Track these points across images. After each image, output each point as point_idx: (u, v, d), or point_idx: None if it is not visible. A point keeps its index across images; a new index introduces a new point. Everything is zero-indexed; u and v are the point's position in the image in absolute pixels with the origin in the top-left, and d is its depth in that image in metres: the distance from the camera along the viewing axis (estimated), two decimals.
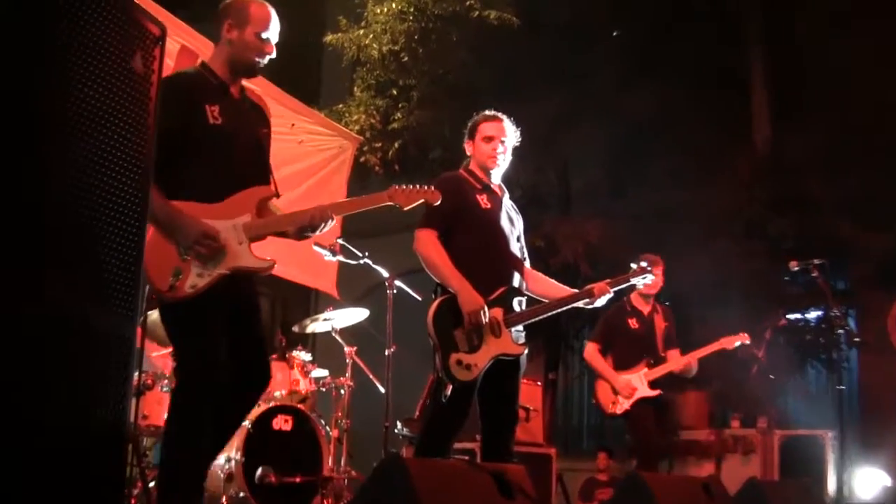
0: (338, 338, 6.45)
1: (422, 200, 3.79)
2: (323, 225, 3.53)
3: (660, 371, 6.46)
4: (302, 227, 3.52)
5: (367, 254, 5.86)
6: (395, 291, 5.68)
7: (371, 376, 6.34)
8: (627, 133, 9.53)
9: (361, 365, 6.39)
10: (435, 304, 4.15)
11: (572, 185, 10.72)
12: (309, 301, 11.61)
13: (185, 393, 3.28)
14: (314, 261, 6.46)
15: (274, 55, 3.60)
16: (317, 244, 5.68)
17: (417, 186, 3.80)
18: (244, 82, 3.65)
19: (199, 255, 3.30)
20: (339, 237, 6.07)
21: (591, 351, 6.72)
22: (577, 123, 9.63)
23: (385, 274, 5.72)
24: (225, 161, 3.43)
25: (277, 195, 3.63)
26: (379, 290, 5.99)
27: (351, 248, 5.91)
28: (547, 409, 9.14)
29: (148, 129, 2.03)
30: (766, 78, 9.60)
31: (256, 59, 3.55)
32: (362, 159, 9.49)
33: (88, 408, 1.81)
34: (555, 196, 10.66)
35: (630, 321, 6.64)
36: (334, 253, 5.80)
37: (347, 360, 6.32)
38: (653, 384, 6.46)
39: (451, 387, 4.03)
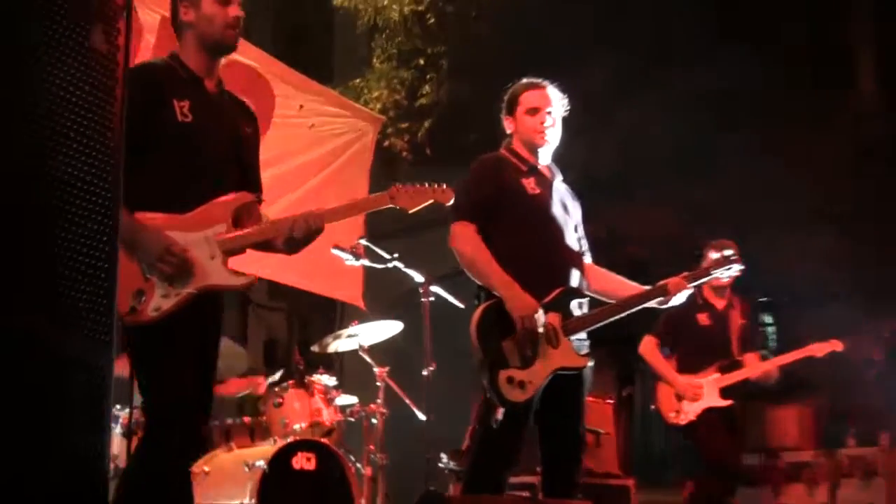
0: (366, 357, 6.48)
1: (430, 202, 3.85)
2: (309, 235, 3.59)
3: (733, 377, 6.40)
4: (288, 239, 3.59)
5: (396, 255, 5.88)
6: (432, 299, 5.70)
7: (408, 401, 6.38)
8: (704, 104, 9.46)
9: (395, 388, 6.42)
10: (478, 311, 4.18)
11: (638, 166, 10.65)
12: (333, 315, 11.65)
13: (154, 443, 3.37)
14: (336, 268, 6.47)
15: (241, 16, 3.68)
16: (336, 247, 5.74)
17: (426, 185, 3.87)
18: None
19: (164, 273, 3.39)
20: (363, 237, 6.11)
21: (647, 345, 6.68)
22: (642, 93, 9.58)
23: (419, 278, 5.73)
24: (195, 164, 3.54)
25: (260, 200, 3.71)
26: (413, 298, 6.01)
27: (377, 249, 5.94)
28: (621, 431, 9.07)
29: (114, 119, 2.04)
30: (872, 45, 9.51)
31: (226, 31, 3.64)
32: (387, 143, 9.55)
33: (51, 443, 1.84)
34: (619, 178, 10.59)
35: (700, 317, 6.58)
36: (357, 256, 5.83)
37: (379, 383, 6.34)
38: (724, 392, 6.40)
39: (501, 410, 4.06)
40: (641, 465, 10.40)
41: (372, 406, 6.28)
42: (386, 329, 6.54)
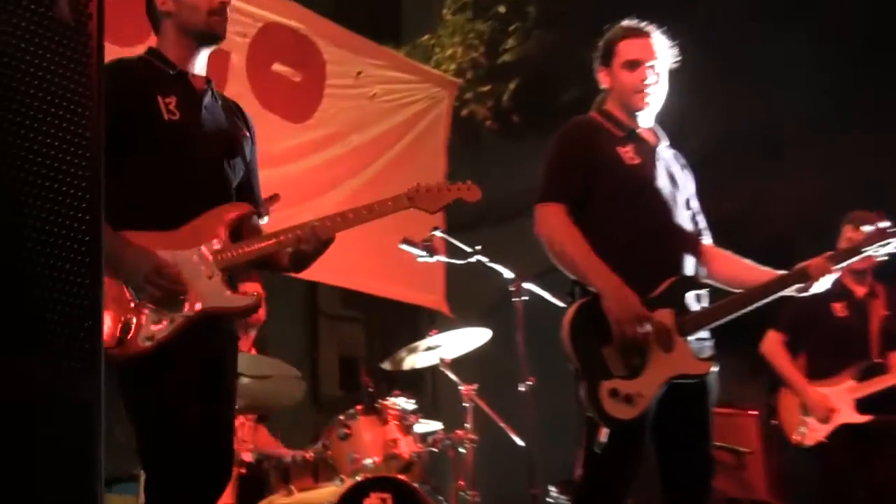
0: (449, 373, 6.50)
1: (453, 200, 3.95)
2: (319, 248, 3.72)
3: (874, 385, 6.17)
4: (295, 253, 3.75)
5: (480, 248, 5.89)
6: (525, 299, 5.69)
7: (502, 424, 6.37)
8: (857, 52, 9.25)
9: (486, 409, 6.42)
10: (571, 310, 4.18)
11: (777, 127, 10.46)
12: (417, 323, 11.72)
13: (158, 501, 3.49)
14: (415, 267, 6.61)
15: (228, 1, 3.82)
16: (406, 241, 5.78)
17: (448, 184, 3.98)
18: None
19: (154, 296, 3.50)
20: (438, 228, 6.12)
21: (772, 344, 6.55)
22: (782, 34, 9.39)
23: (509, 275, 5.73)
24: (185, 169, 3.69)
25: (259, 213, 3.87)
26: (503, 299, 6.01)
27: (456, 242, 5.97)
28: (773, 449, 8.95)
29: (90, 105, 2.04)
30: None
31: (210, 19, 3.78)
32: (465, 112, 9.55)
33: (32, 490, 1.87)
34: (753, 142, 10.43)
35: (835, 307, 6.39)
36: (431, 251, 5.86)
37: (466, 404, 6.35)
38: (862, 405, 6.19)
39: (605, 430, 4.04)
40: (796, 489, 10.16)
41: (459, 432, 6.29)
42: (471, 338, 6.53)
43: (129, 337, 3.44)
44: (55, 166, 2.00)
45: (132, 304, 3.48)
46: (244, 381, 5.64)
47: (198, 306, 3.54)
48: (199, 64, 3.86)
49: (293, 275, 7.40)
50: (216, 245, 3.63)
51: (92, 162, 2.09)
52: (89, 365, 2.04)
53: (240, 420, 6.02)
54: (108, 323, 3.41)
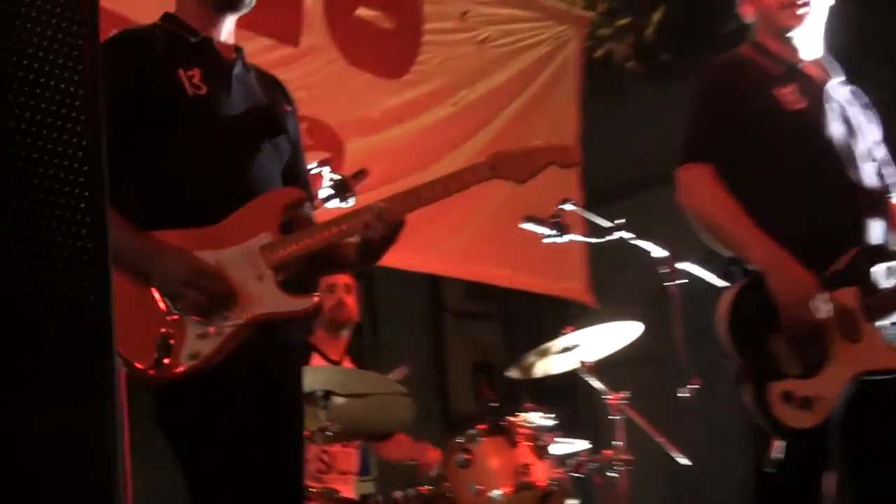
0: (592, 380, 6.49)
1: (547, 166, 3.86)
2: (389, 235, 3.73)
3: None
4: (364, 243, 3.76)
5: (622, 222, 5.87)
6: (684, 282, 5.64)
7: (661, 439, 6.33)
8: None
9: (640, 422, 6.41)
10: (729, 295, 4.16)
11: None
12: (565, 318, 11.68)
13: None
14: (546, 251, 6.51)
15: None
16: (529, 219, 5.75)
17: (537, 146, 3.89)
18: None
19: (196, 305, 3.53)
20: (569, 200, 6.07)
21: None
22: None
23: (661, 253, 5.68)
24: (218, 152, 3.73)
25: (311, 200, 3.90)
26: (652, 285, 5.96)
27: (592, 216, 5.98)
28: None
29: (84, 84, 2.04)
30: None
31: None
32: (600, 52, 9.49)
33: None
34: None
35: None
36: (561, 230, 5.79)
37: (615, 417, 6.32)
38: None
39: (779, 443, 3.99)
40: None
41: (607, 452, 6.26)
42: (618, 334, 6.52)
43: (168, 356, 3.49)
44: (43, 168, 2.02)
45: (169, 317, 3.52)
46: (337, 401, 5.71)
47: (248, 313, 3.57)
48: (226, 30, 3.91)
49: (401, 266, 7.66)
50: (265, 239, 3.66)
51: (90, 155, 2.10)
52: (102, 403, 2.07)
53: (335, 448, 6.10)
54: (141, 342, 3.47)
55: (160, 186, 3.63)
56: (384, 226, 3.68)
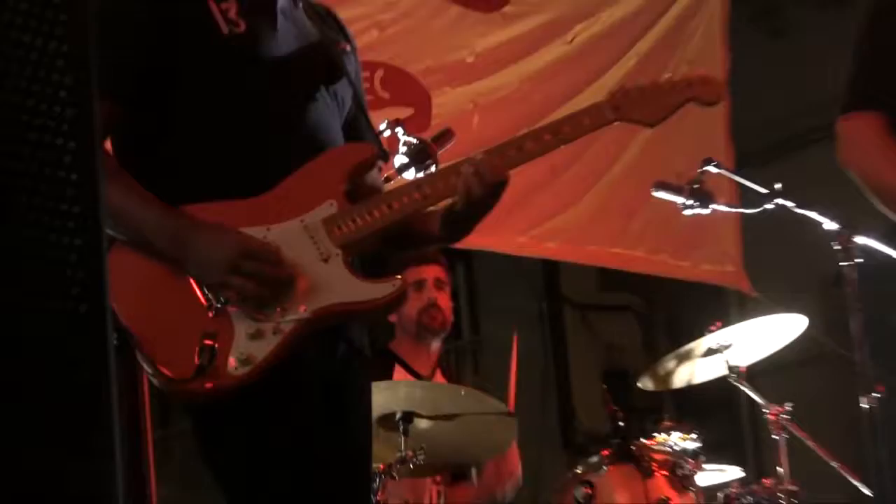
0: (746, 389, 6.41)
1: (688, 102, 3.75)
2: (487, 200, 3.56)
3: None
4: (451, 213, 3.61)
5: (780, 188, 5.68)
6: (860, 261, 5.51)
7: (835, 464, 6.26)
8: None
9: (808, 441, 6.34)
10: None
11: None
12: (723, 309, 11.69)
13: None
14: (687, 225, 6.72)
15: None
16: (661, 186, 5.65)
17: (672, 79, 3.81)
18: None
19: (247, 296, 3.41)
20: (712, 161, 5.97)
21: None
22: None
23: (832, 226, 5.55)
24: (265, 104, 3.60)
25: (384, 156, 3.76)
26: (824, 265, 5.87)
27: (742, 180, 5.91)
28: None
29: (70, 24, 2.04)
30: None
31: None
32: None
33: None
34: None
35: None
36: (704, 198, 5.66)
37: (776, 436, 6.26)
38: None
39: None
40: None
41: (767, 481, 6.21)
42: (777, 331, 6.46)
43: (213, 363, 3.35)
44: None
45: (211, 313, 3.41)
46: (420, 424, 5.69)
47: (314, 305, 3.45)
48: None
49: (501, 249, 7.63)
50: (329, 210, 3.55)
51: (79, 115, 2.06)
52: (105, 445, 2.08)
53: (421, 484, 6.09)
54: (176, 346, 3.40)
55: (193, 150, 3.55)
56: (481, 186, 3.53)
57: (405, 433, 5.57)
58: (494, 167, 3.55)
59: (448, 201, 3.65)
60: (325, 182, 3.59)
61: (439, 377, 6.61)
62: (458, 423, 5.85)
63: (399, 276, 3.61)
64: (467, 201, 3.54)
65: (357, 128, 3.85)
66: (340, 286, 3.49)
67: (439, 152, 3.82)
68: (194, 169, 3.54)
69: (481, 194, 3.53)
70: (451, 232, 3.71)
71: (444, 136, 3.89)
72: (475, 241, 6.59)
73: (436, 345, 6.62)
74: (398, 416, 5.56)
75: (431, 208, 3.68)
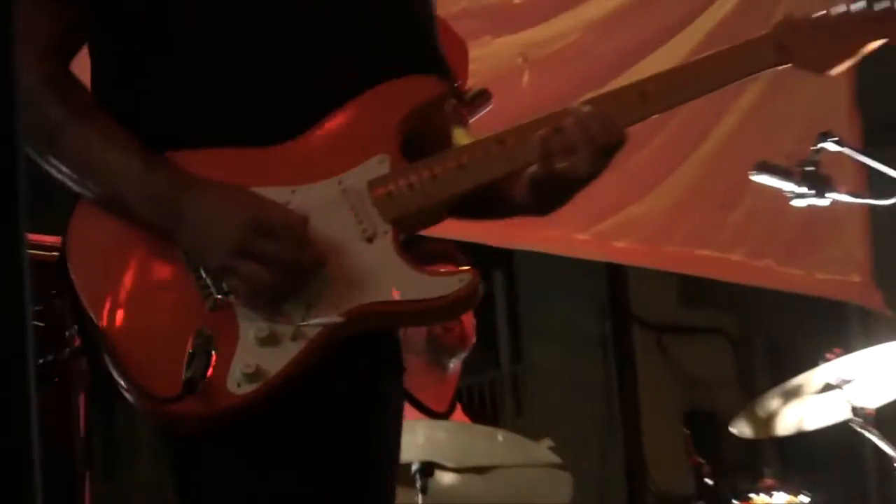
0: (874, 437, 6.31)
1: (876, 41, 3.47)
2: (598, 159, 3.26)
3: None
4: (542, 176, 3.30)
5: None
6: None
7: None
8: None
9: None
10: None
11: None
12: (825, 332, 11.69)
13: None
14: (804, 224, 6.83)
15: None
16: (763, 168, 5.65)
17: (849, 10, 3.47)
18: None
19: (260, 285, 3.16)
20: (829, 136, 5.89)
21: None
22: None
23: None
24: (283, 21, 3.39)
25: (460, 95, 3.51)
26: None
27: (874, 163, 5.88)
28: None
29: None
30: None
31: None
32: None
33: None
34: None
35: None
36: (820, 185, 5.65)
37: None
38: None
39: None
40: None
41: None
42: None
43: (208, 379, 3.08)
44: None
45: (209, 307, 3.17)
46: (443, 479, 5.59)
47: (349, 302, 3.20)
48: None
49: (552, 249, 7.43)
50: (378, 169, 3.30)
51: None
52: None
53: None
54: (158, 353, 3.17)
55: (192, 78, 3.33)
56: (586, 140, 3.23)
57: (423, 490, 5.48)
58: (607, 119, 3.27)
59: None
60: (374, 129, 3.35)
61: (460, 415, 6.45)
62: (494, 477, 5.78)
63: (468, 267, 3.29)
64: (578, 151, 3.25)
65: (421, 47, 3.57)
66: (388, 277, 3.24)
67: (471, 119, 3.62)
68: (194, 104, 3.33)
69: (587, 151, 3.25)
70: (538, 200, 3.41)
71: (479, 98, 3.66)
72: (519, 236, 6.37)
73: (453, 369, 6.41)
74: (415, 467, 5.44)
75: None
